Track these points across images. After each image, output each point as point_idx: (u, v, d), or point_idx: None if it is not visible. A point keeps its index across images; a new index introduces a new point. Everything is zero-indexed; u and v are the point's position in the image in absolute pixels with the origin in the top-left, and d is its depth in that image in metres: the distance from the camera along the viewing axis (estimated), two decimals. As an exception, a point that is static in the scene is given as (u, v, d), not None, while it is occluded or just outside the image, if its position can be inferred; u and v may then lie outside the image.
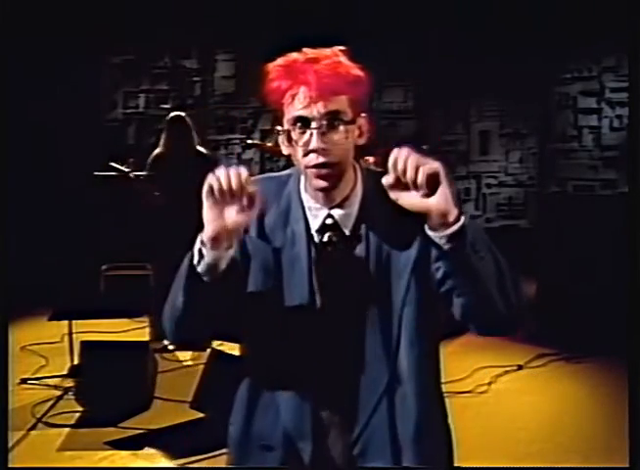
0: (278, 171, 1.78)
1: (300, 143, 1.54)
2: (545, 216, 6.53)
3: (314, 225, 1.61)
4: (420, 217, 1.50)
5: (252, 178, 1.66)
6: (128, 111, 8.72)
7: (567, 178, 8.21)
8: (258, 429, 1.66)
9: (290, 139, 1.56)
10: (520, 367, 5.11)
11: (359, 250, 1.59)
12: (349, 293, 1.60)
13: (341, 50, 1.55)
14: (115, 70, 8.61)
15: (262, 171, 8.38)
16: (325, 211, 1.60)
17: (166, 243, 5.54)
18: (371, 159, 5.90)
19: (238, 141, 8.72)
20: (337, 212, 1.60)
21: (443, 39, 8.09)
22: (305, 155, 1.54)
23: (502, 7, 7.87)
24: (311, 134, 1.51)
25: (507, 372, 5.01)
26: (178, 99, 8.71)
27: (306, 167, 1.55)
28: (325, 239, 1.60)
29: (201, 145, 5.94)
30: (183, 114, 5.82)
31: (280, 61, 1.54)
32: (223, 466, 1.80)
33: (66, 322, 5.07)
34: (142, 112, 8.72)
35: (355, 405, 1.60)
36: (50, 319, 5.09)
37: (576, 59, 8.11)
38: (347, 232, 1.60)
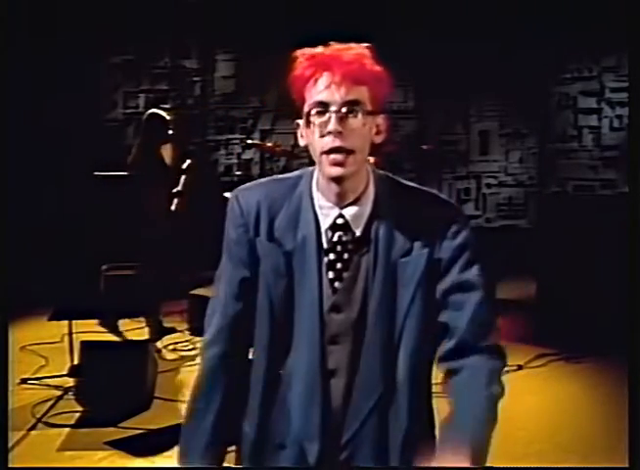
0: (278, 171, 1.79)
1: (317, 122, 1.53)
2: (545, 216, 6.52)
3: (325, 224, 1.60)
4: (432, 227, 1.58)
5: (260, 181, 1.69)
6: (128, 111, 8.72)
7: (567, 178, 8.22)
8: (273, 428, 1.67)
9: (308, 125, 1.55)
10: (520, 367, 5.10)
11: (368, 253, 1.59)
12: (357, 296, 1.60)
13: (367, 46, 1.57)
14: (115, 70, 8.61)
15: (262, 171, 8.38)
16: (336, 211, 1.60)
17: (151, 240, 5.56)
18: (371, 159, 5.91)
19: (238, 141, 8.72)
20: (348, 212, 1.59)
21: (443, 39, 8.09)
22: (322, 137, 1.53)
23: (502, 7, 7.88)
24: (330, 117, 1.51)
25: (507, 372, 4.99)
26: (178, 99, 8.71)
27: (322, 153, 1.54)
28: (335, 238, 1.60)
29: (180, 142, 5.85)
30: (160, 111, 5.74)
31: (307, 50, 1.56)
32: (224, 466, 1.80)
33: (66, 322, 5.07)
34: (142, 112, 8.71)
35: (350, 410, 1.62)
36: (50, 319, 5.09)
37: (576, 59, 8.11)
38: (358, 233, 1.60)
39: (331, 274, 1.60)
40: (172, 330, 6.02)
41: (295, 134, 1.67)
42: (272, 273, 1.61)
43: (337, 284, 1.60)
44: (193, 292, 6.04)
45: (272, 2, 8.01)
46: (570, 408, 4.55)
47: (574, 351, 5.36)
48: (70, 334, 5.03)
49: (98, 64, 8.40)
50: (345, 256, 1.60)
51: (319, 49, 1.55)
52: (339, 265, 1.60)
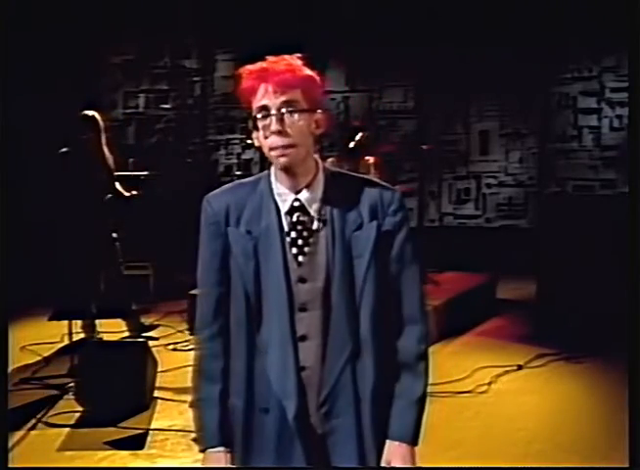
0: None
1: (262, 125, 1.79)
2: (545, 216, 6.52)
3: (284, 208, 1.86)
4: (376, 205, 1.84)
5: (226, 186, 1.94)
6: (128, 111, 8.73)
7: (567, 178, 8.22)
8: (257, 395, 1.87)
9: (256, 129, 1.81)
10: (520, 367, 5.10)
11: (324, 230, 1.85)
12: (320, 267, 1.85)
13: (298, 56, 1.83)
14: (115, 70, 8.61)
15: (262, 171, 8.38)
16: (292, 196, 1.85)
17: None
18: (371, 159, 5.92)
19: (238, 141, 8.72)
20: (302, 196, 1.85)
21: (444, 39, 8.09)
22: (267, 138, 1.79)
23: (502, 7, 7.88)
24: (271, 119, 1.77)
25: (507, 372, 5.01)
26: (178, 99, 8.71)
27: (270, 150, 1.79)
28: (294, 219, 1.85)
29: (112, 146, 5.68)
30: (93, 113, 5.54)
31: (249, 66, 1.81)
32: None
33: (66, 322, 5.07)
34: (142, 112, 8.72)
35: (324, 369, 1.85)
36: (50, 319, 5.10)
37: (576, 59, 8.12)
38: (313, 212, 1.85)
39: (294, 250, 1.85)
40: (152, 327, 6.03)
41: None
42: (242, 257, 1.86)
43: (300, 258, 1.85)
44: (193, 292, 6.04)
45: (272, 2, 8.01)
46: (570, 408, 4.55)
47: (574, 351, 5.36)
48: (70, 334, 5.04)
49: (98, 63, 8.40)
50: (305, 233, 1.85)
51: (258, 64, 1.80)
52: (300, 242, 1.85)
